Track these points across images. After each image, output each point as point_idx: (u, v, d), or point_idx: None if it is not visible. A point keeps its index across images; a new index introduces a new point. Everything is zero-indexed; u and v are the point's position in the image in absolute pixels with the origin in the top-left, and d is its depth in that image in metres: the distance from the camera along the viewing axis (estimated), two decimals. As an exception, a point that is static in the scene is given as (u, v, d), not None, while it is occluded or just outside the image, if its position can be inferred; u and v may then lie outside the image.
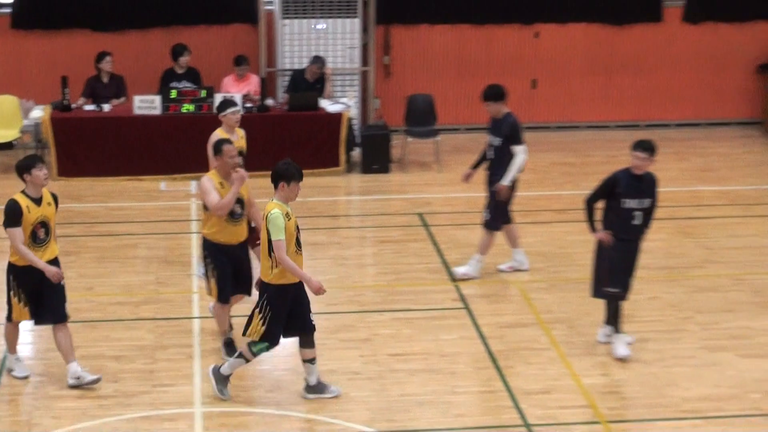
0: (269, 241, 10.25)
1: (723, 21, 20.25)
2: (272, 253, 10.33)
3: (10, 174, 16.42)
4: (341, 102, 18.25)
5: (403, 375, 11.14)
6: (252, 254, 11.90)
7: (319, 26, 18.75)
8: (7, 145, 18.47)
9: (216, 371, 10.82)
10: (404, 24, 19.69)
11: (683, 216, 16.50)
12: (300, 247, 10.56)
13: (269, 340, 10.49)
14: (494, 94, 13.49)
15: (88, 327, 11.79)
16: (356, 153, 18.65)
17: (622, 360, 12.05)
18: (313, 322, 10.68)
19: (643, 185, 11.77)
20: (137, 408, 10.48)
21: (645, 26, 20.26)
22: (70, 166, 17.49)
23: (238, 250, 11.56)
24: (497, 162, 13.17)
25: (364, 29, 19.03)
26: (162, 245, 15.37)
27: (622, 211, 11.77)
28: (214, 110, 16.22)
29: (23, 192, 10.25)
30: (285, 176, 10.38)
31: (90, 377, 10.69)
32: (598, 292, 12.07)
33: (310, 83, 18.11)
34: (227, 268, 11.37)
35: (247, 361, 10.81)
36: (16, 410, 10.46)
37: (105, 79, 18.11)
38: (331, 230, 16.63)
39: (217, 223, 11.21)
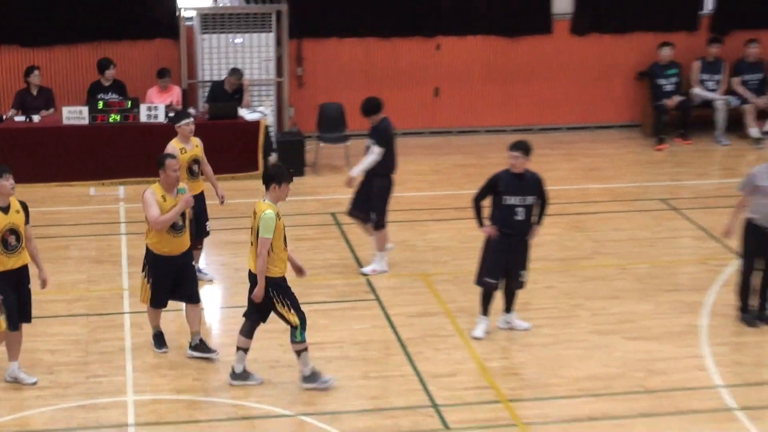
0: (257, 237, 10.92)
1: (606, 33, 20.76)
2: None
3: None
4: (258, 111, 18.60)
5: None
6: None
7: (236, 41, 19.10)
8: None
9: (236, 376, 11.24)
10: (315, 37, 19.95)
11: (574, 212, 16.97)
12: (286, 244, 11.09)
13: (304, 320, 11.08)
14: (370, 108, 14.11)
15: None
16: (273, 158, 18.96)
17: (476, 339, 12.55)
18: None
19: (524, 183, 12.28)
20: (73, 398, 10.87)
21: (536, 38, 20.67)
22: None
23: (181, 260, 11.69)
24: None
25: (278, 43, 19.37)
26: (93, 246, 15.61)
27: (504, 208, 12.28)
28: (167, 121, 17.35)
29: None
30: (276, 178, 10.90)
31: (28, 379, 10.89)
32: (479, 281, 12.60)
33: (229, 94, 18.40)
34: (165, 278, 11.57)
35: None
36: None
37: (34, 92, 18.20)
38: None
39: (157, 234, 11.34)
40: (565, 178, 18.61)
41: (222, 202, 14.54)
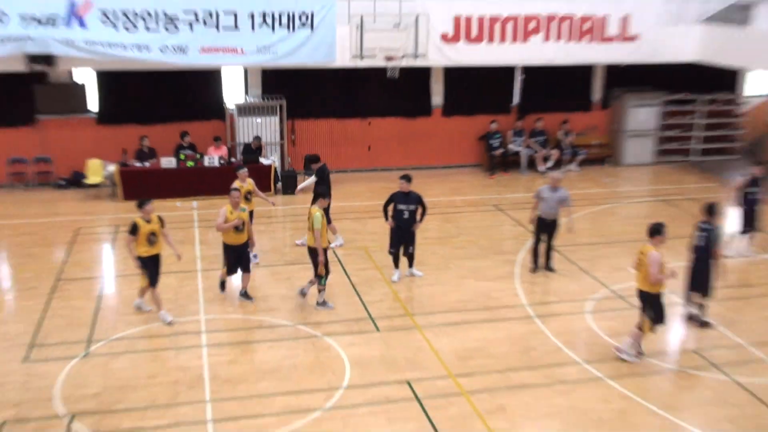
0: (313, 229, 12.80)
1: (462, 115, 22.94)
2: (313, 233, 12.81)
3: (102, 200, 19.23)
4: (270, 159, 20.24)
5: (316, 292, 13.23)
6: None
7: (257, 120, 20.73)
8: (96, 185, 20.07)
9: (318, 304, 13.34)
10: (301, 118, 21.67)
11: (446, 212, 18.78)
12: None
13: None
14: (312, 159, 15.90)
15: None
16: (279, 185, 20.38)
17: (393, 282, 14.41)
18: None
19: (409, 197, 14.10)
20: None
21: (424, 118, 22.77)
22: (132, 195, 18.00)
23: (241, 248, 13.37)
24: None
25: (281, 121, 20.88)
26: (179, 235, 16.88)
27: (397, 211, 14.25)
28: (223, 165, 19.31)
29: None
30: (323, 195, 13.38)
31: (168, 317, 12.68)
32: (389, 251, 14.65)
33: (253, 150, 20.03)
34: (232, 257, 13.42)
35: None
36: None
37: (145, 150, 19.88)
38: (270, 224, 18.22)
39: (226, 233, 13.17)
40: (441, 194, 20.16)
41: (273, 204, 16.38)
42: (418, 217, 14.26)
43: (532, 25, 20.72)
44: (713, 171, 23.68)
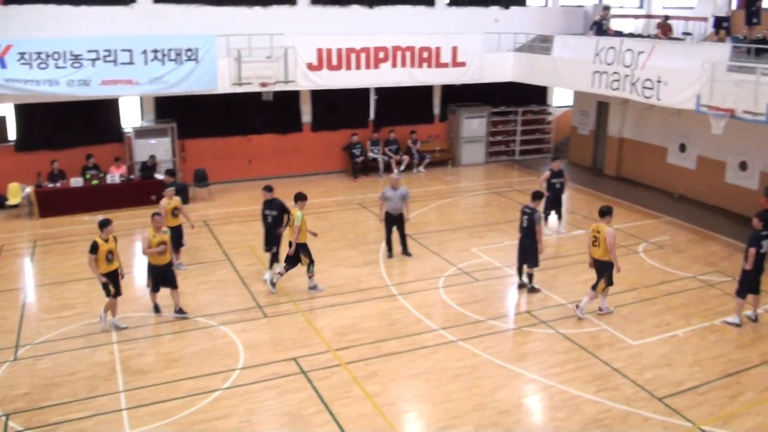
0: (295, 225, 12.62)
1: (328, 130, 22.59)
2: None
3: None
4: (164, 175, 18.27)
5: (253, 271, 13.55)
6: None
7: (152, 141, 19.91)
8: (16, 206, 18.84)
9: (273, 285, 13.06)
10: (190, 138, 20.86)
11: (319, 211, 18.40)
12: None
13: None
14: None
15: None
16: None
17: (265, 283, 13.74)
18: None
19: (273, 204, 13.60)
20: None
21: (296, 134, 22.31)
22: (47, 212, 18.10)
23: (166, 267, 12.14)
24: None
25: (173, 141, 20.17)
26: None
27: (264, 216, 13.73)
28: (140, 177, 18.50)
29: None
30: (303, 198, 13.02)
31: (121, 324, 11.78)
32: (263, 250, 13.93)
33: (149, 167, 19.19)
34: (157, 276, 12.13)
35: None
36: None
37: (56, 172, 18.75)
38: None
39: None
40: (314, 196, 19.03)
41: (192, 227, 15.02)
42: (284, 222, 13.64)
43: (381, 54, 21.06)
44: (530, 167, 24.42)
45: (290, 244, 13.04)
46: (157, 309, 12.46)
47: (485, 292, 13.43)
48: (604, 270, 12.27)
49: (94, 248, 11.37)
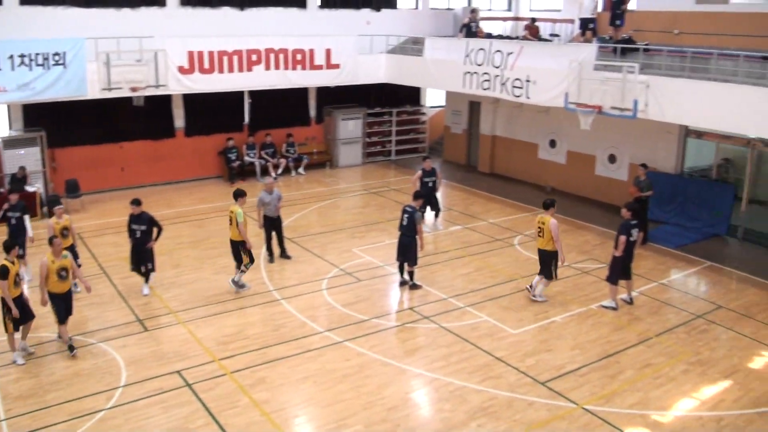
0: (238, 223, 12.83)
1: (201, 135, 22.16)
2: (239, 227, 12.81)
3: None
4: (35, 186, 18.49)
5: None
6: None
7: (20, 152, 18.71)
8: None
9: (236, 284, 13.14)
10: (60, 147, 19.88)
11: (195, 218, 18.02)
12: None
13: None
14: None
15: None
16: (45, 209, 18.11)
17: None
18: None
19: (141, 218, 13.01)
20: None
21: (169, 140, 21.77)
22: None
23: (67, 295, 11.10)
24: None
25: (42, 151, 19.11)
26: None
27: (131, 231, 13.08)
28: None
29: None
30: (242, 195, 13.28)
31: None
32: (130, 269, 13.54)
33: (19, 179, 18.19)
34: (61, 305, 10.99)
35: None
36: None
37: None
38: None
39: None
40: (190, 203, 19.57)
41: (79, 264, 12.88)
42: (154, 235, 13.19)
43: (254, 57, 20.85)
44: (407, 166, 24.81)
45: (243, 243, 13.13)
46: (71, 349, 11.10)
47: (368, 292, 13.53)
48: (548, 259, 12.88)
49: (4, 273, 10.40)
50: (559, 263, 12.93)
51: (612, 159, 19.91)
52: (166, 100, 21.34)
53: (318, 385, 10.21)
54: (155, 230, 13.15)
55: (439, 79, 21.50)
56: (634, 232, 12.62)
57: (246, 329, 11.96)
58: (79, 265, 12.58)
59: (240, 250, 13.27)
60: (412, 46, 23.06)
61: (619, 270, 12.77)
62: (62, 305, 11.04)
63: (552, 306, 13.01)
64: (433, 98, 27.53)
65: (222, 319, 12.36)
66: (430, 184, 17.09)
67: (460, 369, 10.68)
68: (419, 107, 26.89)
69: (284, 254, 15.32)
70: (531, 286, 13.32)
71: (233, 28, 21.53)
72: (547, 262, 12.96)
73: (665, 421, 9.54)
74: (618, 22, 18.32)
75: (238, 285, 13.52)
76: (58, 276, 10.89)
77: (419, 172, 17.09)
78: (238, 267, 13.46)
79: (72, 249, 12.88)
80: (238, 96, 22.26)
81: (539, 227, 12.86)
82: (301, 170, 23.36)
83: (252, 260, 13.50)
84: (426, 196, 16.71)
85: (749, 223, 17.09)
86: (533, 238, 15.08)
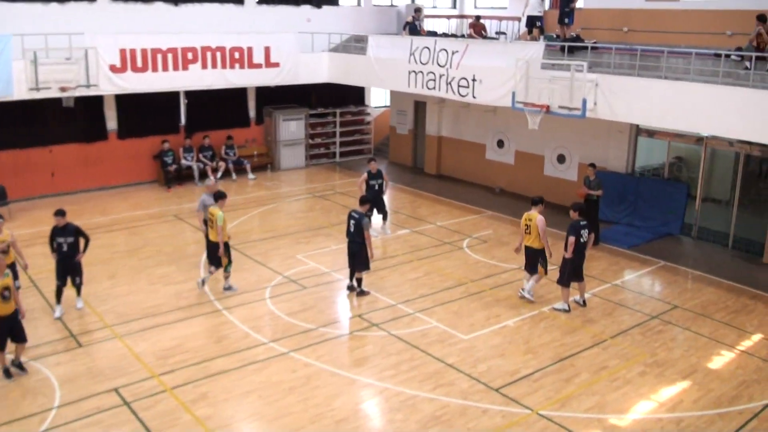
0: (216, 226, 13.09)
1: (135, 137, 21.75)
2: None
3: None
4: None
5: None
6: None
7: None
8: None
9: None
10: None
11: (131, 226, 17.64)
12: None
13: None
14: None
15: None
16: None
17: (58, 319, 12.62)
18: None
19: (66, 230, 12.50)
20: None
21: (100, 142, 21.26)
22: None
23: (11, 317, 10.47)
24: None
25: None
26: None
27: (57, 244, 12.56)
28: None
29: None
30: (223, 197, 13.49)
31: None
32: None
33: None
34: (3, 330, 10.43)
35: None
36: None
37: None
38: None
39: None
40: (125, 210, 19.17)
41: (26, 267, 13.11)
42: (81, 247, 12.69)
43: (190, 55, 20.59)
44: (352, 168, 24.83)
45: (218, 245, 13.33)
46: (8, 374, 10.62)
47: (314, 300, 13.44)
48: (535, 257, 13.15)
49: None
50: (548, 257, 13.19)
51: (561, 159, 20.25)
52: (98, 100, 20.90)
53: (263, 399, 10.05)
54: (82, 241, 12.66)
55: (384, 78, 21.56)
56: (584, 232, 12.82)
57: (186, 342, 11.71)
58: (18, 287, 12.19)
59: (218, 252, 13.47)
60: (355, 45, 23.08)
61: (571, 272, 12.94)
62: (4, 329, 10.41)
63: (503, 309, 13.12)
64: (377, 98, 27.61)
65: (161, 332, 12.09)
66: (377, 187, 17.09)
67: (411, 377, 10.67)
68: (363, 107, 26.94)
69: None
70: (523, 289, 13.55)
71: (168, 24, 21.22)
72: (534, 260, 13.20)
73: (623, 425, 9.68)
74: (567, 21, 18.63)
75: (225, 287, 13.79)
76: (1, 297, 10.31)
77: (364, 175, 17.10)
78: (216, 268, 13.73)
79: (13, 268, 12.34)
80: (173, 96, 22.00)
81: (526, 224, 13.08)
82: (251, 175, 23.14)
83: (230, 262, 13.72)
84: (373, 199, 16.75)
85: (703, 221, 17.58)
86: (511, 234, 14.96)
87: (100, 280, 14.25)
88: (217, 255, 13.48)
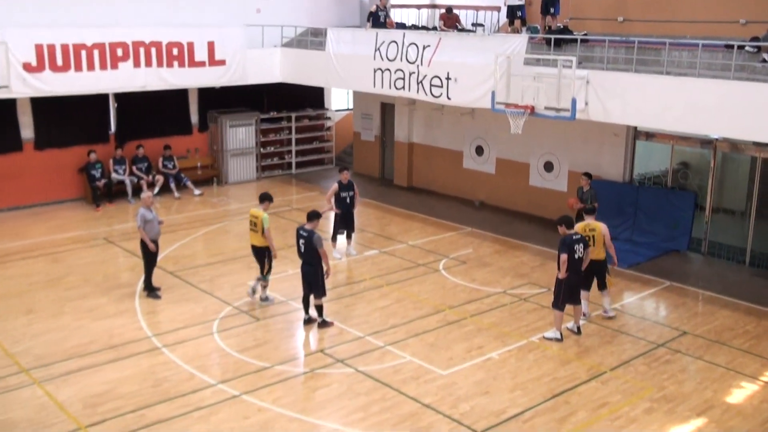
0: (264, 228, 14.00)
1: (56, 147, 21.64)
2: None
3: None
4: None
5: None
6: None
7: None
8: None
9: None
10: None
11: (52, 252, 17.48)
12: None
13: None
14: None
15: None
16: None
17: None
18: None
19: None
20: None
21: (14, 154, 21.09)
22: None
23: None
24: None
25: None
26: None
27: None
28: None
29: None
30: (269, 198, 14.44)
31: None
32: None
33: None
34: None
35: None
36: None
37: None
38: None
39: None
40: (44, 233, 19.00)
41: None
42: None
43: (120, 52, 20.54)
44: (311, 181, 24.89)
45: (263, 250, 14.33)
46: None
47: (269, 333, 13.37)
48: (603, 268, 13.72)
49: None
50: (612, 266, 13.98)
51: (549, 167, 20.44)
52: (10, 105, 20.74)
53: (210, 451, 9.92)
54: None
55: (345, 77, 21.66)
56: (578, 247, 12.88)
57: (119, 387, 11.53)
58: None
59: (265, 257, 14.47)
60: (312, 39, 23.16)
61: (566, 293, 12.99)
62: None
63: (487, 340, 13.11)
64: (339, 100, 27.67)
65: (89, 375, 11.88)
66: (348, 200, 17.15)
67: (382, 420, 10.61)
68: (323, 111, 27.06)
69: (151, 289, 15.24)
70: (605, 311, 14.00)
71: (93, 15, 21.11)
72: (603, 273, 13.74)
73: (627, 471, 9.70)
74: (552, 10, 18.84)
75: (262, 298, 14.66)
76: None
77: (335, 186, 17.19)
78: (263, 274, 14.65)
79: None
80: (101, 100, 21.95)
81: (590, 236, 13.35)
82: (196, 191, 23.07)
83: (269, 270, 14.64)
84: (344, 214, 17.00)
85: (714, 235, 17.79)
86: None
87: (15, 317, 14.02)
88: (264, 259, 14.50)
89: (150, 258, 14.88)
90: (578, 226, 13.41)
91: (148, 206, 14.65)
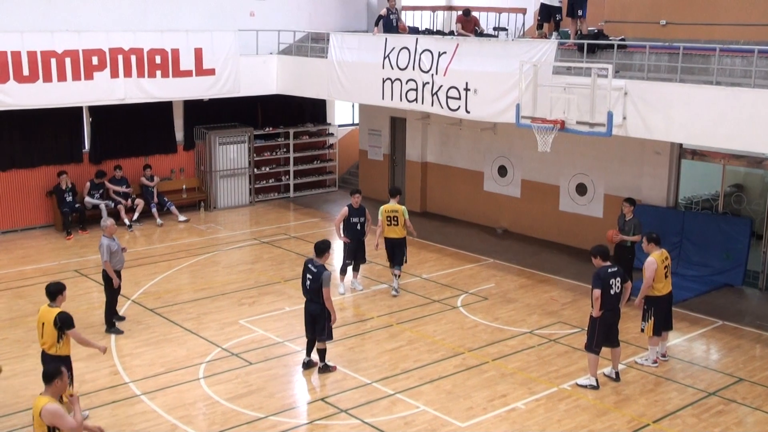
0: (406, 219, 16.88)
1: (23, 168, 21.68)
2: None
3: None
4: None
5: None
6: None
7: None
8: None
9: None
10: None
11: (16, 287, 17.65)
12: None
13: None
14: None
15: None
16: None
17: None
18: None
19: None
20: None
21: None
22: None
23: None
24: None
25: None
26: None
27: None
28: None
29: None
30: (399, 192, 17.76)
31: None
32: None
33: None
34: None
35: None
36: None
37: None
38: None
39: None
40: (7, 265, 19.10)
41: None
42: None
43: (95, 60, 20.70)
44: (311, 206, 24.97)
45: (403, 241, 16.90)
46: None
47: (263, 379, 13.31)
48: (648, 307, 13.74)
49: None
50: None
51: (581, 190, 20.45)
52: (-29, 120, 20.82)
53: None
54: None
55: (350, 88, 21.76)
56: (615, 282, 12.78)
57: (91, 440, 11.45)
58: None
59: (404, 248, 16.95)
60: (313, 45, 23.32)
61: (601, 335, 12.86)
62: None
63: (511, 387, 13.03)
64: (343, 114, 27.74)
65: (55, 426, 11.80)
66: (359, 227, 17.06)
67: (393, 481, 10.54)
68: (325, 126, 27.15)
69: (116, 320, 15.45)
70: (655, 361, 13.94)
71: (64, 19, 21.25)
72: (648, 309, 13.74)
73: None
74: (579, 12, 18.58)
75: (396, 292, 17.05)
76: None
77: (344, 210, 17.11)
78: (400, 268, 16.95)
79: None
80: (74, 114, 22.08)
81: (665, 264, 13.60)
82: (181, 217, 23.19)
83: (405, 260, 17.22)
84: (356, 243, 17.03)
85: (774, 268, 17.69)
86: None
87: (-26, 359, 13.98)
88: (403, 252, 16.84)
89: (114, 292, 14.98)
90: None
91: (111, 235, 14.67)
